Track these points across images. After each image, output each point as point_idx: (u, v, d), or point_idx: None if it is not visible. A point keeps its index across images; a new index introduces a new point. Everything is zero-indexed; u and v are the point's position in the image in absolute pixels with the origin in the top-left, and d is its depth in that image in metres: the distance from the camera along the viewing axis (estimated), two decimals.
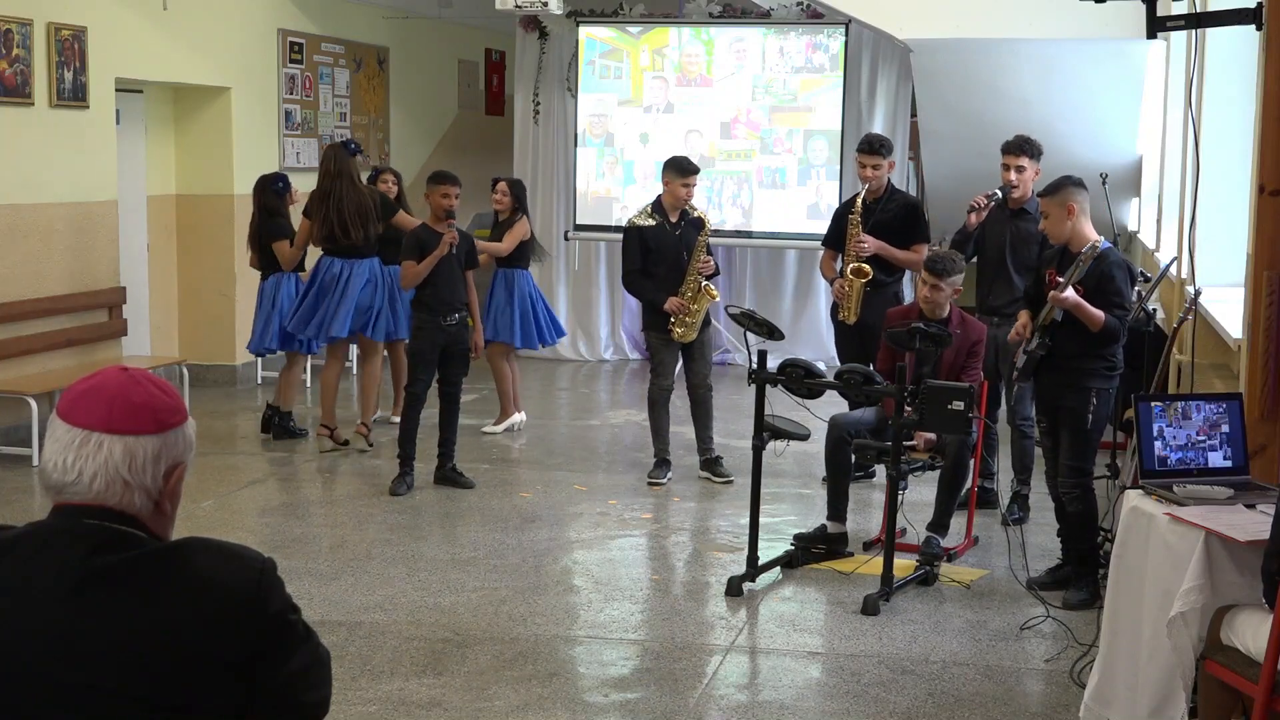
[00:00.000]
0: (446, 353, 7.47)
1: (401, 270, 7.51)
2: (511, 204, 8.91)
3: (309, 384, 10.55)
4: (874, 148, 7.43)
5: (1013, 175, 6.95)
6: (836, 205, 10.94)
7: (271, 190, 8.70)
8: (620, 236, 11.50)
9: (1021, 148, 6.96)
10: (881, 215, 7.43)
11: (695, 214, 7.71)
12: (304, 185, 10.75)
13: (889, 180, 7.54)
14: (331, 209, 8.21)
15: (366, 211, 8.24)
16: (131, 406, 2.05)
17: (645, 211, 7.74)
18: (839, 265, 7.61)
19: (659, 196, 7.72)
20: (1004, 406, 7.21)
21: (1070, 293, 5.49)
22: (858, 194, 7.57)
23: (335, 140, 8.80)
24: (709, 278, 7.61)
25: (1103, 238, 5.71)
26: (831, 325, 11.37)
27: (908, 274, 7.92)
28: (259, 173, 9.17)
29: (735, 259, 11.81)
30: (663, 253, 7.59)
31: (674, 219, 7.62)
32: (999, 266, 6.98)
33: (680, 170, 7.59)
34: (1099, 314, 5.51)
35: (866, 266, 7.37)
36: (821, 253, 7.99)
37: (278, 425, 8.73)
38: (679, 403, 7.87)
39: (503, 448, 8.64)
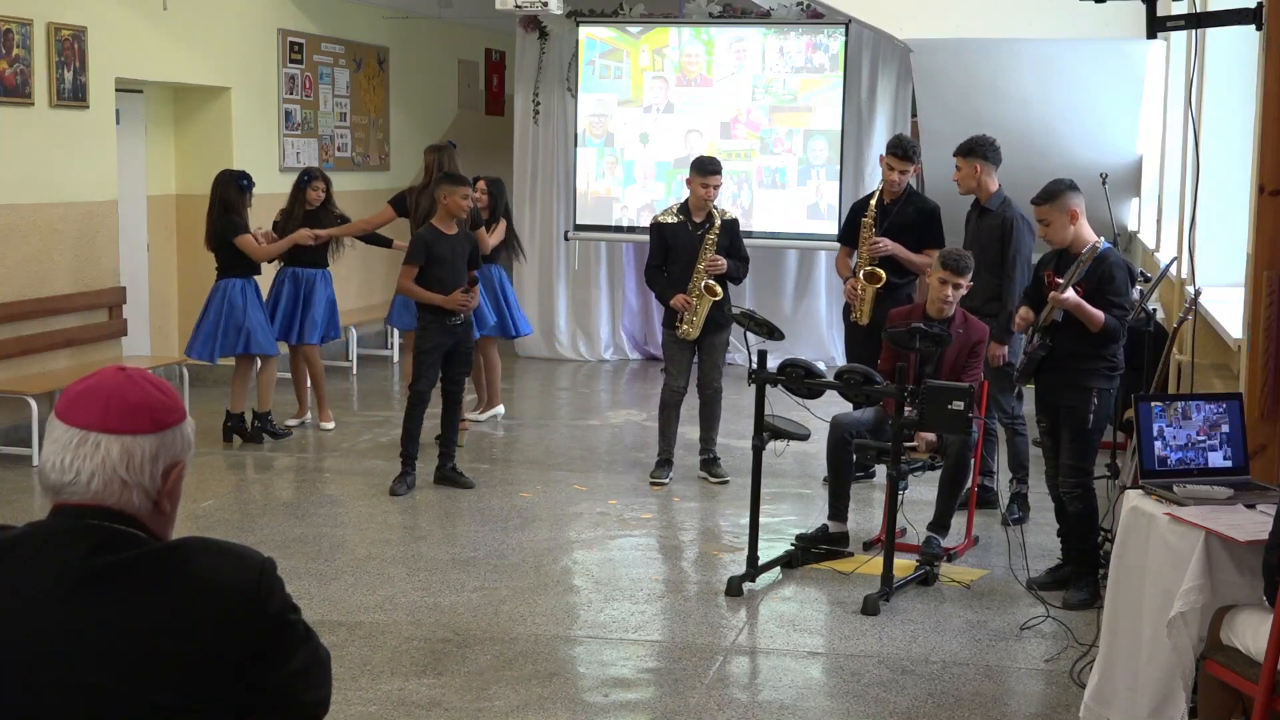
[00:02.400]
0: (451, 352, 7.47)
1: (401, 275, 7.47)
2: (489, 204, 8.86)
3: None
4: (905, 152, 7.38)
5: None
6: (836, 205, 11.04)
7: (236, 185, 8.43)
8: (621, 236, 11.70)
9: (958, 149, 6.99)
10: (898, 218, 7.40)
11: (726, 216, 7.72)
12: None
13: (909, 184, 7.53)
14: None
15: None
16: (128, 406, 2.05)
17: (672, 210, 7.80)
18: (853, 263, 7.60)
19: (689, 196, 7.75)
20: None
21: (1070, 294, 5.49)
22: (872, 193, 7.57)
23: (439, 142, 8.70)
24: (721, 279, 7.60)
25: (1102, 238, 5.71)
26: (832, 325, 11.58)
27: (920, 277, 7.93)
28: (259, 173, 9.13)
29: None
30: (679, 251, 7.63)
31: (698, 219, 7.63)
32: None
33: (700, 169, 7.61)
34: (1099, 314, 5.51)
35: (880, 271, 7.36)
36: (838, 250, 7.99)
37: (260, 429, 8.59)
38: (688, 406, 7.85)
39: (504, 447, 8.64)
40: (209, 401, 9.77)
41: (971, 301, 6.92)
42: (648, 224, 11.16)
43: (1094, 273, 5.56)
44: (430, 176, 8.49)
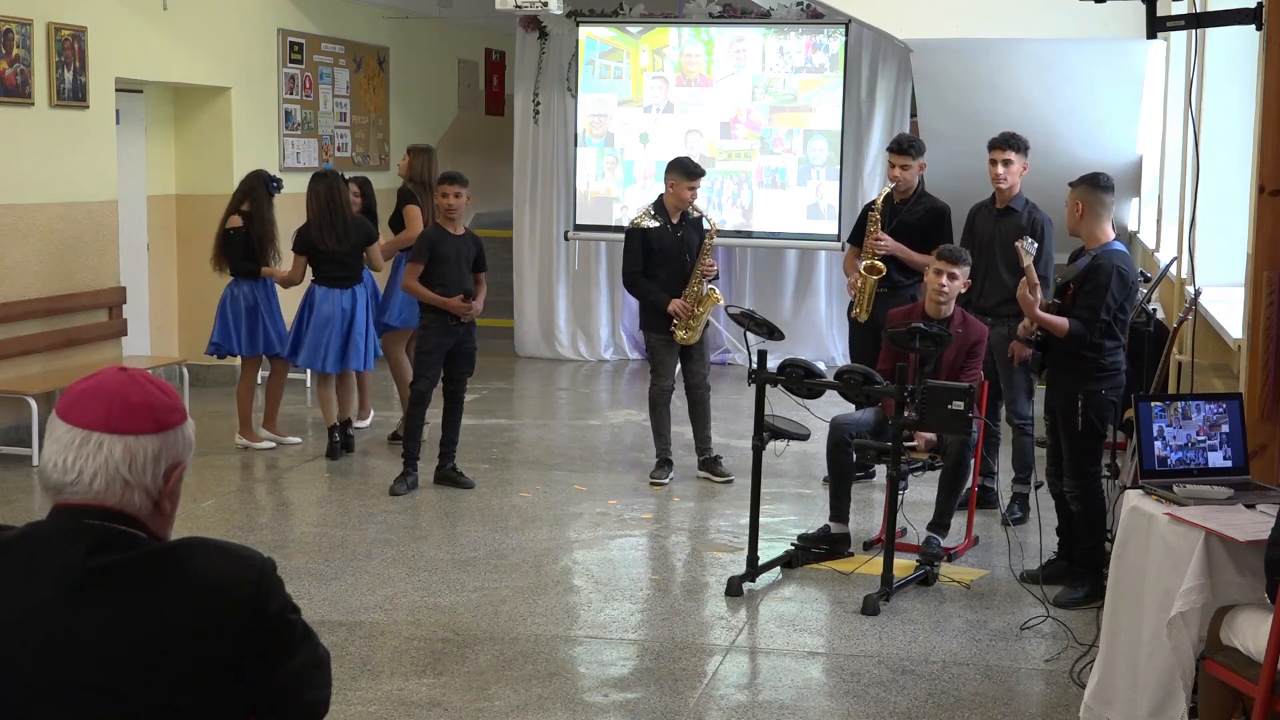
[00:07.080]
0: (453, 353, 7.46)
1: (406, 272, 7.47)
2: (364, 205, 8.99)
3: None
4: (903, 148, 7.42)
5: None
6: (836, 205, 11.05)
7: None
8: (621, 236, 11.66)
9: (1007, 142, 6.89)
10: (907, 217, 7.40)
11: (695, 215, 7.70)
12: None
13: (919, 182, 7.51)
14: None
15: None
16: (130, 406, 2.05)
17: (647, 213, 7.71)
18: (860, 264, 7.59)
19: (660, 197, 7.69)
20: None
21: (1039, 311, 5.59)
22: (883, 192, 7.58)
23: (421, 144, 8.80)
24: (711, 280, 7.61)
25: (1115, 240, 5.69)
26: (832, 325, 11.59)
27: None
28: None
29: (735, 259, 11.81)
30: (665, 254, 7.58)
31: (675, 220, 7.62)
32: (989, 266, 6.93)
33: (686, 173, 7.56)
34: (1062, 323, 5.53)
35: (880, 264, 7.37)
36: (846, 250, 7.99)
37: (350, 438, 8.38)
38: (678, 402, 7.87)
39: (504, 447, 8.64)
40: (209, 402, 9.77)
41: (986, 302, 6.91)
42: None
43: (1088, 270, 5.57)
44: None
